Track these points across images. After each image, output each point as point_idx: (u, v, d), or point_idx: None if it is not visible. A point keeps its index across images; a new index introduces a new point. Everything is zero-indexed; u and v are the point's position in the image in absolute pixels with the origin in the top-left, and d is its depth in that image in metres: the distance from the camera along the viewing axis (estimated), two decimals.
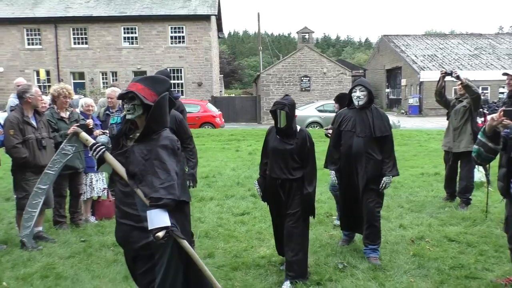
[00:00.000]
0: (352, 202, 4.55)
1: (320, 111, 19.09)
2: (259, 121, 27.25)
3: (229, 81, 49.88)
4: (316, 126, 18.43)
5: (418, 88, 31.86)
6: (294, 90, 27.39)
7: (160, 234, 2.51)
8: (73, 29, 26.60)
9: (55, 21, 26.31)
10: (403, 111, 33.29)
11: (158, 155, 2.65)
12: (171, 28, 26.84)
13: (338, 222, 5.30)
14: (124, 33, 26.75)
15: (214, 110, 19.67)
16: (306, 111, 19.35)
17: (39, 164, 4.76)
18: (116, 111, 6.46)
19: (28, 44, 26.63)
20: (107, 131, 5.80)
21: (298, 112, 19.01)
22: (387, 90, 39.85)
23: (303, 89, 27.98)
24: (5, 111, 7.96)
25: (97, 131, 5.32)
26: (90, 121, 5.38)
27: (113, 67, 26.68)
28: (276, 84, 27.90)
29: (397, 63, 36.45)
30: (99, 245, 4.89)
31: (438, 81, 6.27)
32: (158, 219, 2.53)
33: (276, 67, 28.69)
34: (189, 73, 27.08)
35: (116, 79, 25.96)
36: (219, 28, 33.33)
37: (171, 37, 26.93)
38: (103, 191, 6.03)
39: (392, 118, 19.28)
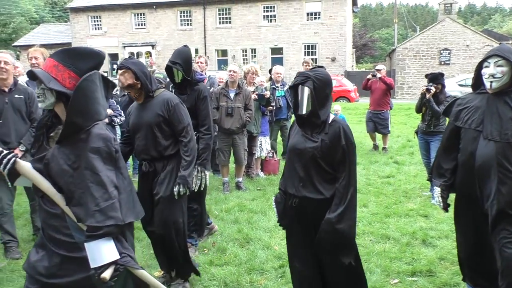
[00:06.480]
0: (475, 241, 2.94)
1: (461, 85, 18.38)
2: (393, 95, 26.91)
3: (360, 55, 49.07)
4: None
5: None
6: (432, 64, 26.35)
7: (107, 274, 1.87)
8: (219, 10, 29.07)
9: (204, 3, 28.95)
10: None
11: (89, 163, 1.95)
12: (308, 4, 27.72)
13: (434, 198, 4.96)
14: (264, 11, 28.42)
15: (349, 85, 20.23)
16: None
17: (223, 127, 6.21)
18: (280, 85, 7.71)
19: (181, 25, 29.95)
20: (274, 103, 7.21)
21: None
22: None
23: (442, 63, 26.69)
24: None
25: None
26: None
27: (253, 45, 28.66)
28: (412, 58, 27.10)
29: None
30: (272, 193, 6.20)
31: None
32: (101, 253, 1.88)
33: (413, 41, 27.77)
34: (323, 48, 27.82)
35: (255, 56, 28.02)
36: (354, 2, 33.13)
37: (307, 14, 27.84)
38: (268, 152, 7.37)
39: None
